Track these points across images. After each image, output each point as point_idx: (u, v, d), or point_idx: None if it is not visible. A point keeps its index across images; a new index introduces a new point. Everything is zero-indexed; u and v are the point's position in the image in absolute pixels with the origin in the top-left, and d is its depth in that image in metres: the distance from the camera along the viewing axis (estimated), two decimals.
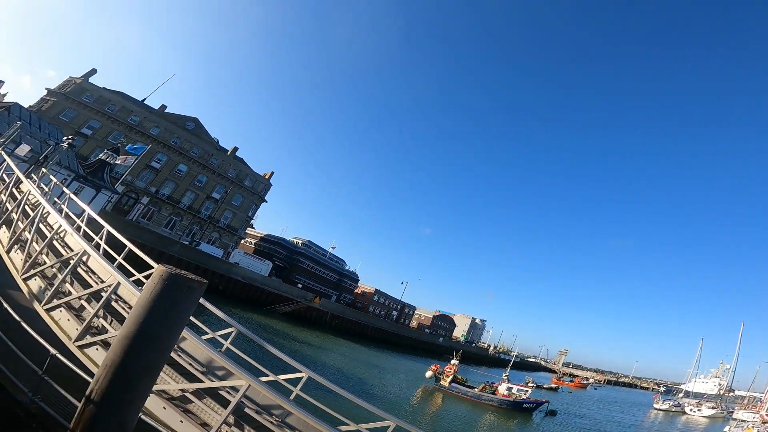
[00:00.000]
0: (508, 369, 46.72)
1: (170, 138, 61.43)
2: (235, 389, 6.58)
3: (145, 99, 62.64)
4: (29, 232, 9.33)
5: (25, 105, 40.87)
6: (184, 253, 49.04)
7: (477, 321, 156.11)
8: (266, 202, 73.20)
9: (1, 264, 9.75)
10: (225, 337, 9.37)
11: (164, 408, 6.46)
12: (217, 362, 7.26)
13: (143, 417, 6.11)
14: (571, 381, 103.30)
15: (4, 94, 51.49)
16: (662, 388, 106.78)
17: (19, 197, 11.14)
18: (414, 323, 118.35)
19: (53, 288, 7.68)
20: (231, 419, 6.62)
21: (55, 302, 7.61)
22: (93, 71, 57.42)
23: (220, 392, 6.96)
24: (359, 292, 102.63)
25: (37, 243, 9.05)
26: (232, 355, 8.72)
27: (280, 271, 78.95)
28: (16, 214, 10.47)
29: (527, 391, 41.13)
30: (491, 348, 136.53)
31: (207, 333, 9.46)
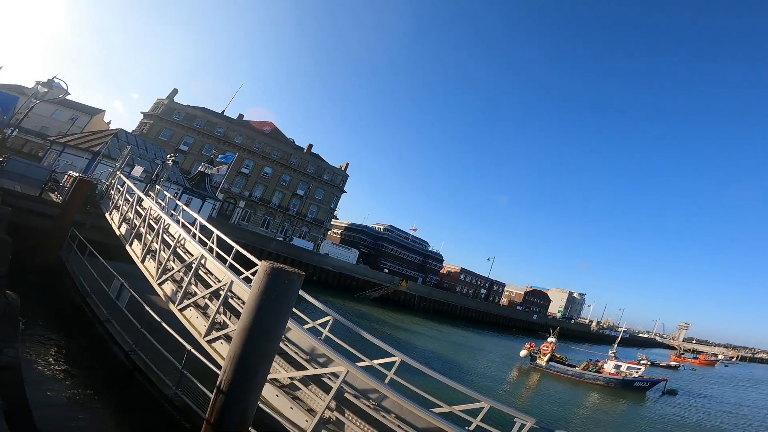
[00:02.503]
0: (615, 345, 41.60)
1: (252, 144, 67.03)
2: (335, 375, 7.07)
3: (223, 111, 69.15)
4: (156, 243, 11.02)
5: (124, 127, 46.42)
6: (281, 248, 53.04)
7: (575, 295, 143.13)
8: (345, 192, 76.57)
9: (139, 272, 11.66)
10: (323, 325, 9.98)
11: (277, 396, 7.24)
12: (319, 350, 7.86)
13: (260, 405, 6.72)
14: (694, 358, 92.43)
15: (108, 122, 59.95)
16: None
17: (143, 213, 12.97)
18: (504, 301, 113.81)
19: (182, 290, 9.04)
20: (333, 404, 7.02)
21: (186, 302, 8.96)
22: (175, 91, 64.50)
23: (322, 378, 7.53)
24: (445, 272, 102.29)
25: (164, 252, 10.66)
26: (330, 342, 9.22)
27: (366, 258, 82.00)
28: (143, 228, 12.40)
29: (639, 369, 36.52)
30: (593, 324, 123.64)
31: (308, 322, 10.11)
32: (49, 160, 29.51)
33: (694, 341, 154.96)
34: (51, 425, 7.39)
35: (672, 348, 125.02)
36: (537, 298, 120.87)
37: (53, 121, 50.12)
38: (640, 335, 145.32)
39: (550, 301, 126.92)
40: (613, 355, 38.75)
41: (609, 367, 36.96)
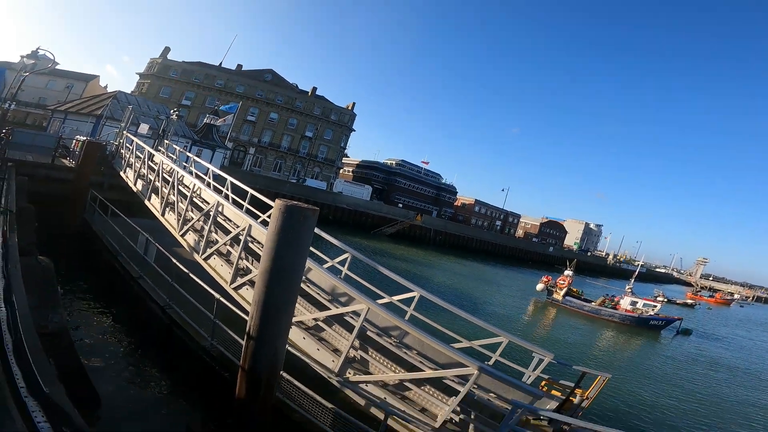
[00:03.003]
0: (632, 280, 39.34)
1: (255, 92, 66.33)
2: (356, 314, 7.24)
3: (221, 63, 67.89)
4: (173, 195, 11.25)
5: (121, 89, 45.83)
6: (294, 190, 53.75)
7: (591, 226, 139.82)
8: (354, 131, 76.29)
9: (162, 226, 12.00)
10: (342, 263, 10.13)
11: (303, 338, 7.60)
12: (340, 289, 8.06)
13: (289, 348, 6.99)
14: (710, 296, 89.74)
15: (105, 86, 59.05)
16: None
17: (156, 168, 13.06)
18: (520, 232, 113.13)
19: (204, 239, 9.33)
20: (357, 343, 7.30)
21: (209, 251, 9.27)
22: (167, 49, 62.90)
23: (345, 318, 7.77)
24: (459, 204, 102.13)
25: (181, 203, 10.89)
26: (350, 281, 9.28)
27: (380, 194, 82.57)
28: (159, 182, 12.57)
29: (655, 306, 34.88)
30: (610, 257, 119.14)
31: (327, 261, 10.29)
32: (54, 128, 29.60)
33: (711, 278, 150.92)
34: (105, 387, 7.70)
35: (689, 284, 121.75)
36: (553, 229, 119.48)
37: (49, 92, 49.97)
38: (657, 270, 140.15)
39: (566, 232, 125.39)
40: (629, 290, 37.30)
41: (625, 303, 35.82)
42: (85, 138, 19.73)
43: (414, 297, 9.07)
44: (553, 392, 8.45)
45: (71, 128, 27.52)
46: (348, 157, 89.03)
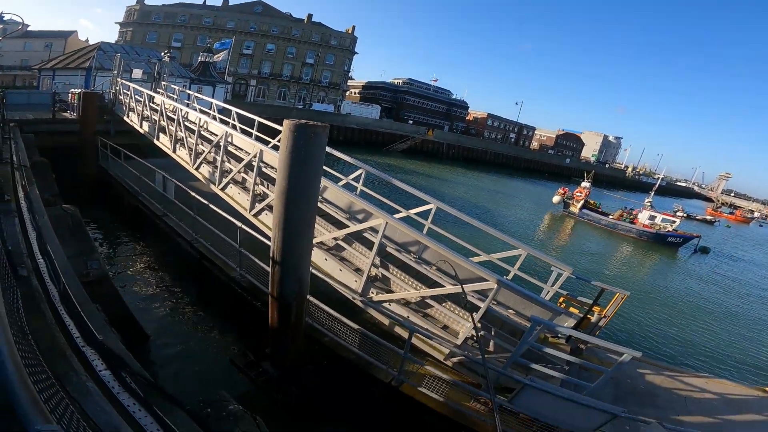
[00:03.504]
0: (652, 194, 37.02)
1: (247, 26, 63.07)
2: (375, 230, 7.17)
3: (205, 1, 63.86)
4: (181, 131, 11.10)
5: (103, 40, 43.90)
6: (301, 115, 52.55)
7: (610, 139, 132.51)
8: (357, 53, 73.17)
9: (176, 163, 11.97)
10: (356, 180, 9.97)
11: (326, 260, 7.67)
12: (357, 205, 8.01)
13: (313, 271, 7.04)
14: (730, 213, 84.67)
15: (85, 40, 56.45)
16: None
17: (158, 108, 12.88)
18: (535, 145, 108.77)
19: (218, 169, 9.31)
20: (377, 261, 7.28)
21: (224, 180, 9.29)
22: None
23: (364, 235, 7.66)
24: (471, 118, 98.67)
25: (190, 138, 10.78)
26: (365, 197, 9.09)
27: (389, 113, 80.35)
28: (164, 121, 12.41)
29: (674, 222, 33.28)
30: (629, 169, 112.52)
31: (341, 179, 10.13)
32: (46, 86, 28.90)
33: (732, 194, 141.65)
34: (149, 326, 8.14)
35: (709, 200, 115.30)
36: (569, 141, 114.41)
37: (29, 54, 48.67)
38: (678, 184, 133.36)
39: (583, 144, 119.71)
40: (648, 204, 35.31)
41: (643, 217, 34.05)
42: (81, 90, 19.30)
43: (431, 210, 8.86)
44: (571, 309, 8.32)
45: (63, 83, 26.81)
46: (353, 79, 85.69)
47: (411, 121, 76.15)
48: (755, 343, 15.55)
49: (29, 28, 47.23)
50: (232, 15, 62.88)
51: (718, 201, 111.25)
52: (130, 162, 13.77)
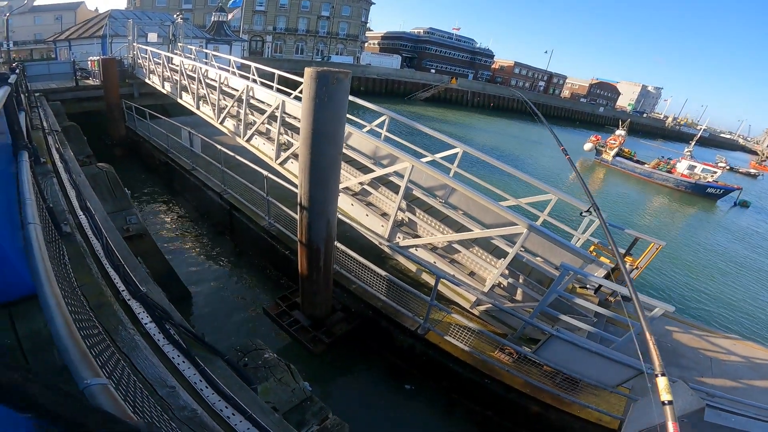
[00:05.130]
0: (692, 144, 34.74)
1: None
2: (400, 174, 7.03)
3: None
4: (203, 89, 11.10)
5: (112, 8, 43.40)
6: (320, 67, 52.03)
7: (649, 89, 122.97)
8: (374, 3, 69.84)
9: (201, 119, 12.09)
10: (380, 126, 9.83)
11: (352, 205, 7.61)
12: (382, 150, 7.81)
13: (340, 217, 7.03)
14: None
15: (95, 9, 55.57)
16: None
17: (178, 69, 12.85)
18: (566, 93, 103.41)
19: (242, 122, 9.33)
20: (403, 205, 7.15)
21: (249, 132, 9.32)
22: None
23: (390, 179, 7.46)
24: (497, 67, 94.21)
25: (212, 94, 10.78)
26: (390, 142, 8.88)
27: (410, 62, 77.95)
28: (185, 80, 12.40)
29: (715, 172, 31.30)
30: (669, 119, 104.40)
31: (365, 126, 10.06)
32: (64, 57, 29.01)
33: None
34: (188, 280, 8.48)
35: (755, 153, 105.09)
36: (604, 90, 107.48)
37: (40, 27, 48.74)
38: (722, 135, 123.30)
39: (619, 94, 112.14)
40: (688, 154, 33.30)
41: (682, 167, 32.18)
42: (99, 57, 19.39)
43: (457, 153, 8.63)
44: (602, 259, 7.87)
45: (80, 52, 26.89)
46: (371, 30, 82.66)
47: (433, 70, 73.69)
48: None
49: (36, 3, 47.23)
50: None
51: (764, 154, 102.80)
52: (157, 121, 14.03)
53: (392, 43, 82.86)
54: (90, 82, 19.58)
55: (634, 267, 7.91)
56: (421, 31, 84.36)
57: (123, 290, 3.75)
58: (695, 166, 31.95)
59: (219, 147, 9.76)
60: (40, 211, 3.30)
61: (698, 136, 41.41)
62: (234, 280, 9.19)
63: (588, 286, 7.71)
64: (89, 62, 20.40)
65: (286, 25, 63.41)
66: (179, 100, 13.11)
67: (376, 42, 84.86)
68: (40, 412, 0.94)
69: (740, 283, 15.41)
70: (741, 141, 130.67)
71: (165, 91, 14.41)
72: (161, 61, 14.26)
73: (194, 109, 11.91)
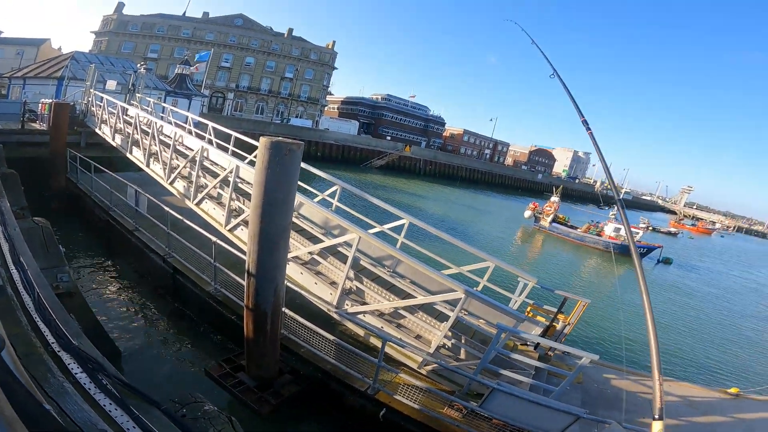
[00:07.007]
0: (616, 207, 38.18)
1: (226, 39, 63.03)
2: (349, 244, 7.37)
3: (184, 12, 63.83)
4: (155, 145, 11.06)
5: (76, 50, 43.06)
6: (279, 130, 52.69)
7: (580, 154, 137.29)
8: (336, 69, 73.63)
9: (149, 177, 11.85)
10: (332, 196, 10.13)
11: (301, 273, 7.81)
12: (332, 221, 8.14)
13: (289, 285, 7.19)
14: (693, 225, 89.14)
15: (59, 48, 55.02)
16: None
17: (132, 121, 12.71)
18: (509, 161, 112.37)
19: (193, 184, 9.31)
20: (351, 274, 7.48)
21: (199, 196, 9.29)
22: (121, 4, 58.40)
23: (339, 249, 7.90)
24: (447, 135, 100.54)
25: (165, 152, 10.73)
26: (341, 213, 9.31)
27: (367, 128, 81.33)
28: (138, 134, 12.30)
29: (638, 233, 34.73)
30: (597, 184, 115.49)
31: (317, 195, 10.33)
32: (15, 95, 28.10)
33: (695, 206, 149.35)
34: (121, 340, 8.07)
35: (673, 213, 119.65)
36: (542, 157, 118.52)
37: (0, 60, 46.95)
38: (643, 197, 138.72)
39: (555, 160, 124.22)
40: (613, 216, 36.35)
41: (609, 230, 35.18)
42: (52, 100, 18.92)
43: (404, 224, 9.18)
44: (538, 318, 8.86)
45: (33, 92, 26.15)
46: (332, 94, 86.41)
47: (389, 137, 77.26)
48: (713, 347, 16.52)
49: (3, 35, 45.82)
50: (212, 27, 62.57)
51: (681, 213, 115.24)
52: (101, 175, 13.53)
53: (351, 108, 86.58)
54: (36, 126, 18.81)
55: (567, 323, 8.57)
56: (380, 97, 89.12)
57: (53, 342, 3.72)
58: (620, 228, 34.22)
59: (166, 209, 9.52)
60: None
61: (621, 198, 44.93)
62: (174, 343, 8.71)
63: (528, 343, 8.17)
64: (40, 104, 19.77)
65: (249, 83, 64.86)
66: (128, 155, 12.85)
67: (335, 106, 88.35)
68: None
69: (670, 331, 16.89)
70: (660, 202, 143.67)
71: (114, 144, 14.12)
72: (116, 111, 14.05)
73: (143, 167, 11.72)
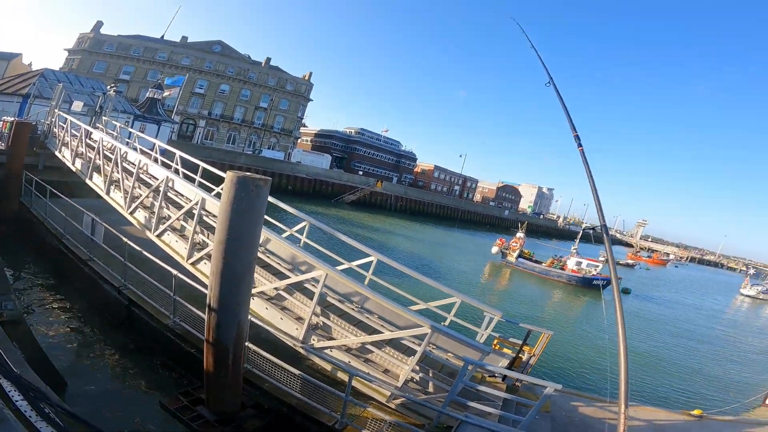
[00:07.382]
0: (577, 242, 40.52)
1: (202, 64, 62.68)
2: (316, 280, 7.32)
3: (163, 35, 63.15)
4: (117, 173, 10.69)
5: (48, 67, 41.99)
6: (250, 161, 52.13)
7: (544, 190, 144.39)
8: (312, 100, 74.43)
9: (108, 205, 11.38)
10: (300, 231, 10.10)
11: (266, 308, 7.69)
12: (299, 257, 8.12)
13: (253, 320, 7.09)
14: (648, 257, 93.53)
15: (29, 64, 53.59)
16: (752, 270, 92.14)
17: (95, 146, 12.30)
18: (478, 197, 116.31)
19: (155, 215, 9.01)
20: (318, 310, 7.46)
21: (161, 227, 8.98)
22: (100, 23, 58.03)
23: (305, 285, 7.81)
24: (419, 170, 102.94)
25: (127, 180, 10.38)
26: (309, 249, 9.30)
27: (340, 162, 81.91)
28: (100, 160, 11.85)
29: (597, 266, 36.34)
30: (560, 219, 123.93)
31: (285, 231, 10.23)
32: None
33: (650, 239, 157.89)
34: (68, 372, 7.52)
35: (630, 245, 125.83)
36: (509, 193, 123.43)
37: None
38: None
39: (521, 196, 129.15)
40: (575, 251, 38.32)
41: (571, 263, 37.18)
42: (12, 119, 18.17)
43: (372, 261, 9.25)
44: (505, 350, 9.08)
45: None
46: (306, 126, 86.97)
47: (361, 172, 77.91)
48: (674, 371, 17.39)
49: None
50: (189, 52, 62.19)
51: (637, 246, 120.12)
52: (56, 201, 12.90)
53: (324, 141, 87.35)
54: None
55: (532, 355, 8.75)
56: (353, 131, 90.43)
57: None
58: (581, 262, 36.90)
59: (124, 239, 9.15)
60: None
61: (579, 234, 47.65)
62: (126, 375, 8.21)
63: (496, 374, 8.20)
64: (1, 122, 18.91)
65: (222, 111, 63.84)
66: (88, 181, 12.34)
67: (309, 139, 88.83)
68: None
69: (631, 358, 17.26)
70: (618, 235, 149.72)
71: (74, 169, 13.56)
72: (79, 134, 13.54)
73: (103, 194, 11.26)
